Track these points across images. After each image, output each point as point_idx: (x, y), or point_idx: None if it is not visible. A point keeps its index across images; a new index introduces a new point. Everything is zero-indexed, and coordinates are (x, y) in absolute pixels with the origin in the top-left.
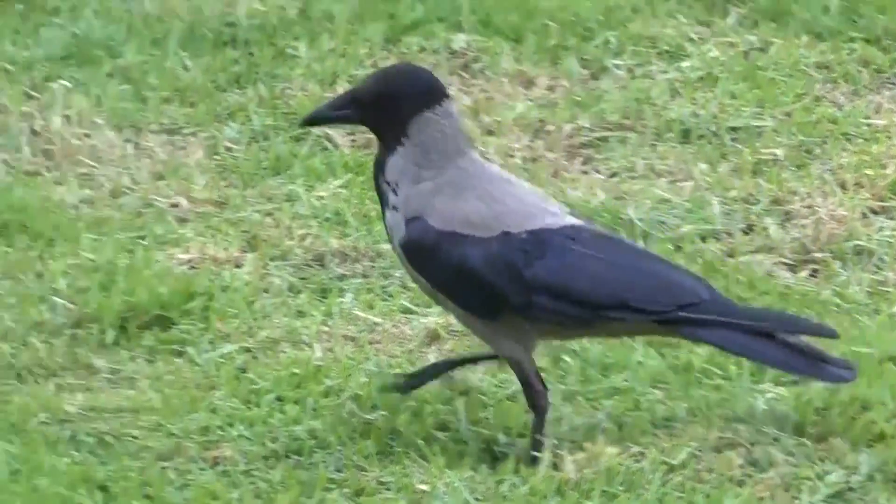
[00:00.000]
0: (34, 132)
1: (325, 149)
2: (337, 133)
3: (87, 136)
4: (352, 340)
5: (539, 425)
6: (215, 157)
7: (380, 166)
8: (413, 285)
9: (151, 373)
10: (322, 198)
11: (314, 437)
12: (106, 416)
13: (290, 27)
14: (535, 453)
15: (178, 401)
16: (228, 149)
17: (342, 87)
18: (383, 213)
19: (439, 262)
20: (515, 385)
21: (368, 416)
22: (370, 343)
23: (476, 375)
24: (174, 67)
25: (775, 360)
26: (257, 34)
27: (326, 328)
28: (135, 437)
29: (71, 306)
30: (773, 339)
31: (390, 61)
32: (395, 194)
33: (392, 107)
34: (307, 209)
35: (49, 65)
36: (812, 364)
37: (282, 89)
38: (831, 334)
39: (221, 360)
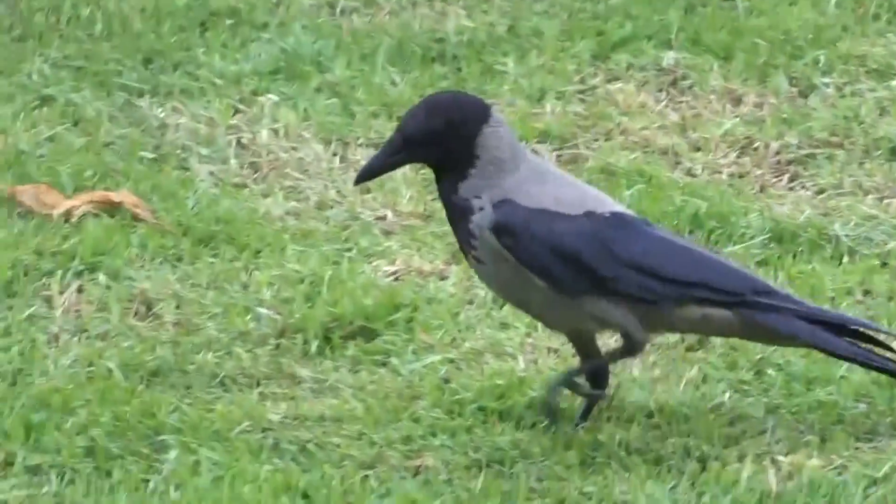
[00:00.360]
0: (241, 145)
1: None
2: (544, 148)
3: (294, 149)
4: (555, 352)
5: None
6: (422, 171)
7: (452, 189)
8: None
9: (355, 382)
10: None
11: (516, 447)
12: (308, 424)
13: (499, 43)
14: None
15: (381, 410)
16: None
17: (549, 104)
18: (459, 227)
19: (530, 239)
20: (718, 398)
21: (570, 428)
22: (573, 355)
23: (678, 388)
24: (382, 82)
25: (847, 351)
26: (465, 50)
27: (530, 340)
28: (337, 446)
29: (276, 317)
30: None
31: (599, 78)
32: (479, 198)
33: (453, 136)
34: None
35: (257, 79)
36: (882, 359)
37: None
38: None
39: (425, 370)
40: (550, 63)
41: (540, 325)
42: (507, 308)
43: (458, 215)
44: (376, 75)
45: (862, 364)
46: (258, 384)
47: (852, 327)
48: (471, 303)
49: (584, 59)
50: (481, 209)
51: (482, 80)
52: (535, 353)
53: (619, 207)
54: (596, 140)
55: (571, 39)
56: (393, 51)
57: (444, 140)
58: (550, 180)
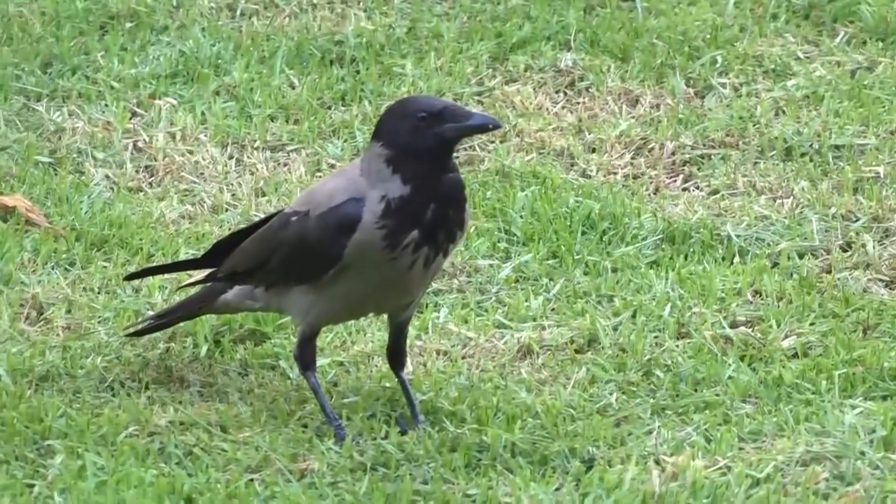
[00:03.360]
0: (138, 149)
1: None
2: None
3: (190, 152)
4: (444, 355)
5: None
6: (317, 173)
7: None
8: (510, 300)
9: (243, 386)
10: None
11: (402, 450)
12: (195, 429)
13: (398, 45)
14: None
15: (268, 414)
16: (331, 165)
17: None
18: (454, 218)
19: None
20: (605, 399)
21: (457, 430)
22: (463, 357)
23: (566, 390)
24: (280, 85)
25: None
26: (364, 52)
27: (420, 342)
28: (223, 450)
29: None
30: None
31: (497, 80)
32: None
33: None
34: None
35: (155, 82)
36: None
37: None
38: None
39: None
40: (449, 65)
41: (429, 327)
42: None
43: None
44: (275, 78)
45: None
46: (147, 388)
47: None
48: None
49: (482, 61)
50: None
51: (380, 83)
52: (424, 355)
53: None
54: (492, 142)
55: (470, 41)
56: (292, 53)
57: None
58: None
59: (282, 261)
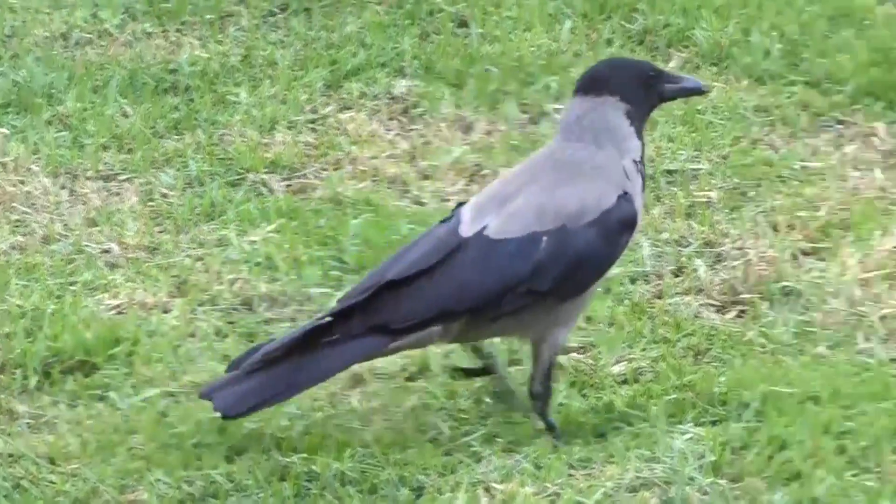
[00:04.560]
0: None
1: (260, 194)
2: (273, 178)
3: (21, 182)
4: None
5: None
6: (150, 203)
7: None
8: None
9: (72, 417)
10: (254, 242)
11: (231, 480)
12: (24, 461)
13: (232, 73)
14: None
15: (97, 445)
16: (164, 195)
17: (280, 134)
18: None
19: None
20: (437, 427)
21: (287, 459)
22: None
23: (398, 417)
24: (114, 114)
25: None
26: (199, 80)
27: None
28: (51, 482)
29: None
30: None
31: (331, 107)
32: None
33: None
34: (238, 254)
35: None
36: None
37: (220, 135)
38: None
39: (143, 404)
40: (283, 93)
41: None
42: (230, 340)
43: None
44: (108, 107)
45: None
46: None
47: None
48: (192, 335)
49: (316, 89)
50: None
51: (214, 111)
52: None
53: None
54: (325, 169)
55: (305, 69)
56: (125, 82)
57: None
58: None
59: (545, 283)
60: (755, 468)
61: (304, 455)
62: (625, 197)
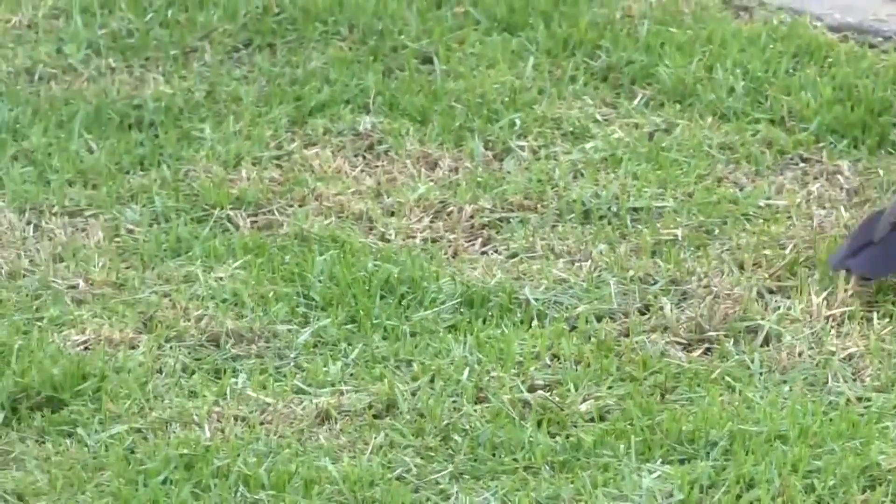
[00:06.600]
0: None
1: (226, 230)
2: (239, 215)
3: None
4: (243, 420)
5: None
6: (116, 239)
7: None
8: (308, 365)
9: (40, 454)
10: (220, 279)
11: None
12: None
13: (197, 109)
14: None
15: (65, 482)
16: (130, 231)
17: (245, 170)
18: None
19: None
20: (404, 464)
21: (255, 496)
22: (261, 423)
23: (365, 456)
24: (79, 150)
25: None
26: (163, 116)
27: (218, 408)
28: None
29: None
30: None
31: (296, 143)
32: None
33: None
34: (205, 290)
35: None
36: None
37: (185, 171)
38: None
39: (111, 440)
40: (248, 129)
41: (227, 393)
42: (197, 376)
43: None
44: (73, 142)
45: None
46: None
47: None
48: (160, 371)
49: (281, 125)
50: None
51: (179, 147)
52: (221, 421)
53: None
54: (290, 206)
55: (269, 105)
56: (90, 118)
57: None
58: None
59: None
60: None
61: (272, 492)
62: None
